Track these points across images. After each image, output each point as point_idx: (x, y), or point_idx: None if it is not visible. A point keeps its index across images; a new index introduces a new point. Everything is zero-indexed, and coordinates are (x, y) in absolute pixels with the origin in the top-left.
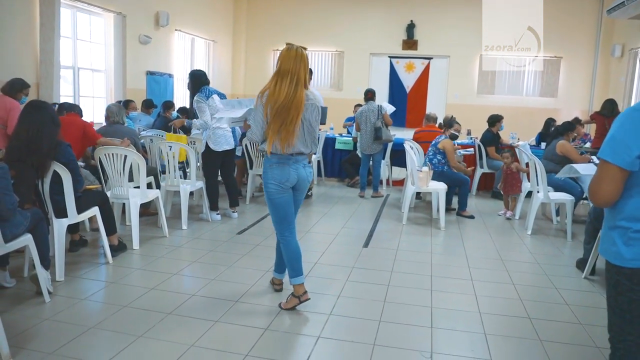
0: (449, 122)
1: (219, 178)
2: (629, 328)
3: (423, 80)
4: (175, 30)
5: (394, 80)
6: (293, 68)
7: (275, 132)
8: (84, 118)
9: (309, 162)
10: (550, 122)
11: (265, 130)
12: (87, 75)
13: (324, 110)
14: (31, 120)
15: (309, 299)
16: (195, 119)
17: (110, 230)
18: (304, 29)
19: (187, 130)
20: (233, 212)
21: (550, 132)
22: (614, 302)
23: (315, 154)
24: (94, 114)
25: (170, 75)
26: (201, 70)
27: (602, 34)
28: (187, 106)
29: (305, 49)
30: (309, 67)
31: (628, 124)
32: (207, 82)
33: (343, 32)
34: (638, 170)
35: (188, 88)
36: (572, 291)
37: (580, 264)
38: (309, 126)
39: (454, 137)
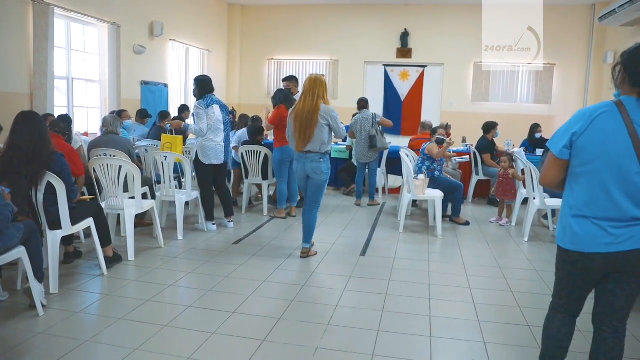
0: (434, 129)
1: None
2: (559, 292)
3: (418, 88)
4: (170, 40)
5: (389, 88)
6: (313, 88)
7: (295, 135)
8: (77, 129)
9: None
10: (535, 127)
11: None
12: (82, 86)
13: (333, 124)
14: (31, 131)
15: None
16: (192, 124)
17: (105, 241)
18: (298, 37)
19: (183, 133)
20: (229, 221)
21: (537, 138)
22: (557, 272)
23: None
24: (88, 124)
25: (165, 85)
26: (207, 76)
27: (594, 41)
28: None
29: (323, 75)
30: (294, 75)
31: (570, 120)
32: (211, 90)
33: (337, 40)
34: (568, 160)
35: (194, 94)
36: None
37: None
38: (319, 131)
39: (440, 142)
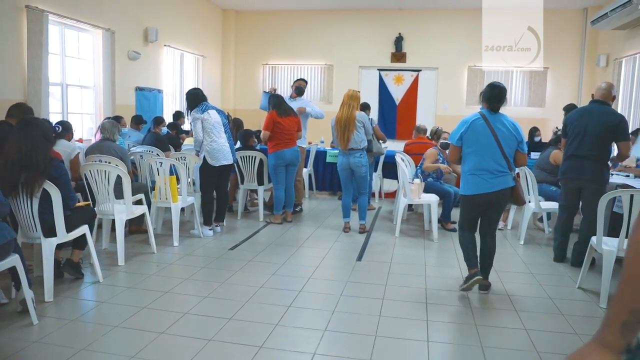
0: (438, 134)
1: None
2: (463, 219)
3: (412, 92)
4: (165, 45)
5: (384, 92)
6: (349, 101)
7: (338, 138)
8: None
9: (363, 154)
10: (534, 131)
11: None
12: (76, 92)
13: (367, 125)
14: (22, 139)
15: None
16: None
17: (79, 245)
18: (293, 42)
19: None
20: (216, 226)
21: (537, 141)
22: (461, 210)
23: (368, 149)
24: (83, 130)
25: (160, 91)
26: (196, 88)
27: (587, 44)
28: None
29: (358, 91)
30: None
31: (459, 125)
32: (204, 98)
33: (332, 45)
34: (461, 147)
35: (187, 110)
36: (566, 301)
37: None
38: (356, 132)
39: (445, 147)
